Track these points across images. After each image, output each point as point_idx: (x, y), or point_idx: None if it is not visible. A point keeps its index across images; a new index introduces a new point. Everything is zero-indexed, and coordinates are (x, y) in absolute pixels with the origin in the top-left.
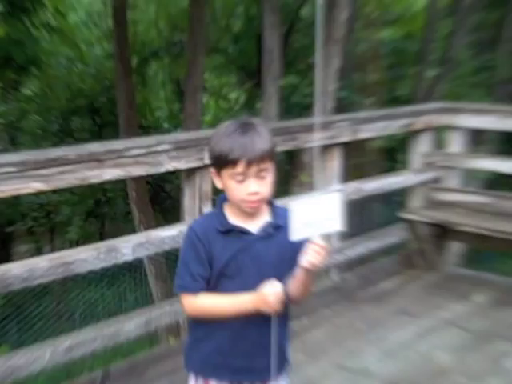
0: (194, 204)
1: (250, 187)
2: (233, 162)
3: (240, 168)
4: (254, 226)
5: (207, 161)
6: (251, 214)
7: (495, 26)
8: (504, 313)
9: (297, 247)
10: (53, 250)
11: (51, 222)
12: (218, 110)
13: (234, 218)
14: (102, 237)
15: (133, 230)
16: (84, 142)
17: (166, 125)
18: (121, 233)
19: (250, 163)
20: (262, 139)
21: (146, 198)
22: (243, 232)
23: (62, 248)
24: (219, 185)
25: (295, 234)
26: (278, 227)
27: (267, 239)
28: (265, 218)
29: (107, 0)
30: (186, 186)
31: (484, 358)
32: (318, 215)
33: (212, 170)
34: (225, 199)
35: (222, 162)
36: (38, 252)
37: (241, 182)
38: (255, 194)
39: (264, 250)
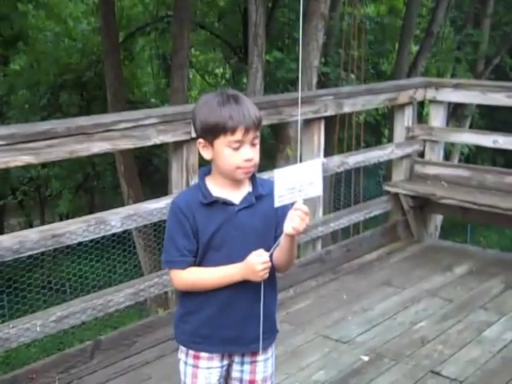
0: (181, 177)
1: (246, 154)
2: (232, 130)
3: (239, 135)
4: (237, 196)
5: (194, 134)
6: (235, 185)
7: (478, 1)
8: (485, 284)
9: (280, 215)
10: (43, 224)
11: (41, 195)
12: (205, 85)
13: (216, 190)
14: (92, 210)
15: (122, 204)
16: (72, 116)
17: (153, 100)
18: (110, 206)
19: (247, 130)
20: (254, 107)
21: (134, 171)
22: (226, 203)
23: (52, 222)
24: (208, 156)
25: (279, 201)
26: (261, 196)
27: (250, 209)
28: (247, 188)
29: None
30: (174, 159)
31: (465, 327)
32: (299, 181)
33: (201, 141)
34: (208, 172)
35: (219, 131)
36: (29, 225)
37: (236, 149)
38: (250, 160)
39: (248, 219)
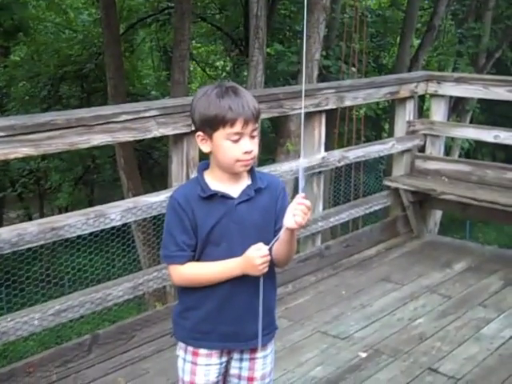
0: (181, 170)
1: (245, 146)
2: (231, 121)
3: (238, 127)
4: (236, 190)
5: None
6: (234, 178)
7: None
8: (484, 280)
9: (279, 209)
10: (42, 217)
11: (40, 188)
12: (205, 78)
13: (215, 184)
14: (91, 203)
15: (121, 197)
16: (72, 108)
17: (153, 92)
18: (110, 199)
19: (246, 122)
20: (253, 99)
21: (134, 164)
22: (225, 197)
23: (51, 214)
24: (206, 149)
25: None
26: (260, 190)
27: (249, 202)
28: (245, 182)
29: None
30: (174, 153)
31: (464, 324)
32: (300, 176)
33: (200, 134)
34: (206, 166)
35: (218, 123)
36: (28, 218)
37: (236, 141)
38: (250, 152)
39: (247, 213)
